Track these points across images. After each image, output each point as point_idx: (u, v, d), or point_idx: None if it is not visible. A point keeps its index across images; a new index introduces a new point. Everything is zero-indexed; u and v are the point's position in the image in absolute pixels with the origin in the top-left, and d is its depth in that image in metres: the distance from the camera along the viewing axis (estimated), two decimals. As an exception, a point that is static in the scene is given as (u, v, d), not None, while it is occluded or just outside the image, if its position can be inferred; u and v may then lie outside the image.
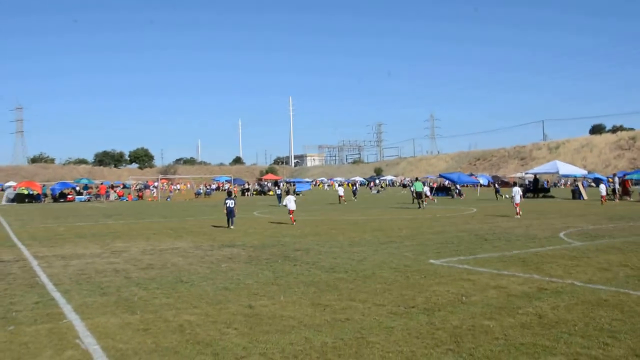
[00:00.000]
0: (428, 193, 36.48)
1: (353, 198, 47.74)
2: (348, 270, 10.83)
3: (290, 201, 23.00)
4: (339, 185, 49.33)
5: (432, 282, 9.39)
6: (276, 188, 51.45)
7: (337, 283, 9.53)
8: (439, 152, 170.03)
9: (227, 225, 20.98)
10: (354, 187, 53.16)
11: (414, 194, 36.60)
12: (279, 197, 43.19)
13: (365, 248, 14.25)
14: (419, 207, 32.16)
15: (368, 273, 10.44)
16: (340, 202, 40.70)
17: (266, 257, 12.95)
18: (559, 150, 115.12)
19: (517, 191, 24.69)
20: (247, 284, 9.56)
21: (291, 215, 22.68)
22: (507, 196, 42.24)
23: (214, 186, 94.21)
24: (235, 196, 53.93)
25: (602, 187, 35.14)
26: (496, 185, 50.78)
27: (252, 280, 9.90)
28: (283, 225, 21.92)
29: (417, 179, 39.43)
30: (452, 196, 48.81)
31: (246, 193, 61.60)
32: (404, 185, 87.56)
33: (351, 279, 9.90)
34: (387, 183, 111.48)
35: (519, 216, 23.71)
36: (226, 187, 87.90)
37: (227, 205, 21.28)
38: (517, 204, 24.35)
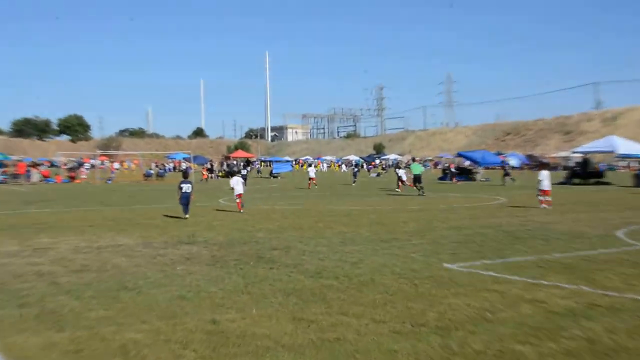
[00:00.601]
0: (404, 177, 37.87)
1: (352, 182, 49.12)
2: (339, 275, 10.84)
3: (237, 183, 23.90)
4: (310, 166, 50.22)
5: (447, 293, 9.42)
6: (247, 169, 51.63)
7: (325, 292, 9.52)
8: (457, 125, 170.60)
9: (183, 216, 21.27)
10: (355, 169, 54.04)
11: (402, 179, 37.71)
12: (245, 180, 43.98)
13: (361, 247, 14.25)
14: (420, 194, 32.81)
15: (365, 279, 10.46)
16: (309, 187, 41.90)
17: (234, 257, 12.93)
18: (616, 123, 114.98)
19: (545, 175, 24.95)
20: (210, 293, 9.53)
21: (238, 200, 23.54)
22: (512, 180, 42.41)
23: (169, 166, 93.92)
24: (207, 179, 54.75)
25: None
26: (505, 167, 51.17)
27: (216, 288, 9.87)
28: (256, 216, 21.91)
29: (414, 160, 40.12)
30: (473, 179, 49.31)
31: (210, 175, 61.41)
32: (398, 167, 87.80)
33: (343, 287, 9.91)
34: (391, 164, 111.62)
35: (545, 206, 24.02)
36: (183, 167, 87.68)
37: (183, 190, 21.51)
38: (545, 191, 24.63)
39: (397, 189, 37.05)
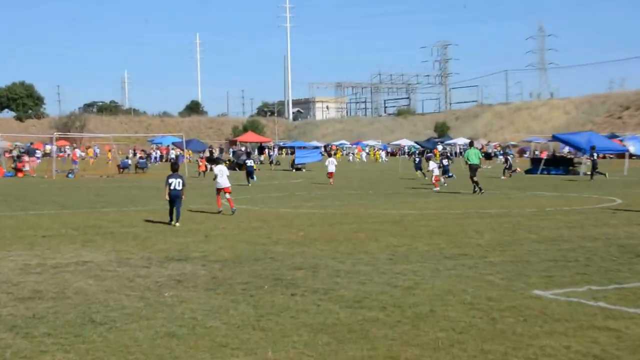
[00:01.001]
0: (436, 171, 39.65)
1: (418, 173, 50.72)
2: (387, 305, 10.83)
3: (221, 174, 25.07)
4: (331, 156, 51.28)
5: (538, 331, 9.34)
6: (256, 158, 51.91)
7: (368, 328, 9.51)
8: (552, 96, 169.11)
9: (169, 221, 21.54)
10: (417, 158, 54.37)
11: (432, 168, 39.50)
12: (251, 173, 46.34)
13: (418, 266, 14.24)
14: (476, 192, 33.80)
15: (422, 311, 10.43)
16: (332, 184, 43.29)
17: (243, 279, 12.96)
18: None
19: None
20: (210, 328, 9.56)
21: (227, 197, 24.86)
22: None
23: (153, 154, 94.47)
24: (205, 172, 54.62)
25: None
26: (507, 154, 50.90)
27: (217, 322, 9.89)
28: (272, 223, 21.95)
29: (471, 144, 40.28)
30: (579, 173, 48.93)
31: (209, 167, 61.65)
32: (489, 156, 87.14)
33: (392, 321, 9.89)
34: (459, 150, 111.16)
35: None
36: (173, 156, 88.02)
37: (171, 187, 21.67)
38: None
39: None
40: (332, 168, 45.33)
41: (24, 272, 13.88)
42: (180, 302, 11.14)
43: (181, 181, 21.88)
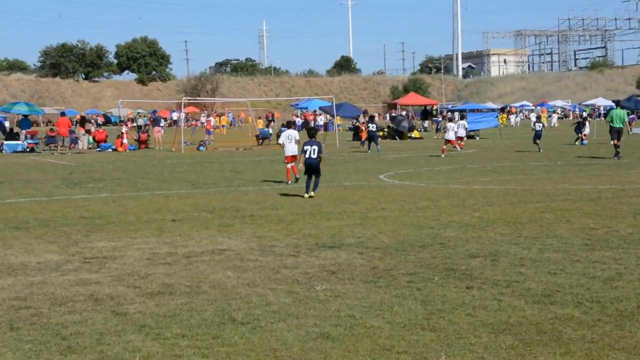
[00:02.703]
0: (462, 133, 43.48)
1: (580, 138, 51.60)
2: (583, 300, 10.83)
3: (290, 139, 26.23)
4: (462, 118, 52.03)
5: None
6: (420, 122, 52.26)
7: (561, 328, 9.50)
8: None
9: (306, 195, 22.84)
10: (579, 122, 55.82)
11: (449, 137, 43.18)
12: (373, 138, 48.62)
13: (620, 252, 14.19)
14: (617, 156, 36.13)
15: (628, 307, 10.40)
16: (460, 147, 45.99)
17: (408, 270, 13.09)
18: None
19: None
20: (371, 328, 9.67)
21: (289, 166, 26.22)
22: None
23: (299, 120, 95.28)
24: (363, 142, 54.83)
25: None
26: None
27: (379, 320, 10.00)
28: (441, 202, 22.01)
29: (617, 104, 42.84)
30: None
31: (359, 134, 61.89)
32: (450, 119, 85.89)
33: (591, 319, 9.86)
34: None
35: None
36: (319, 124, 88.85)
37: (306, 155, 22.99)
38: None
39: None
40: (451, 135, 45.62)
41: (152, 263, 14.30)
42: (334, 297, 11.29)
43: (317, 148, 22.53)
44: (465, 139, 50.24)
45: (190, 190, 27.74)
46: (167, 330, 9.80)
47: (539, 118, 49.41)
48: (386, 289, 11.70)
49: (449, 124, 48.02)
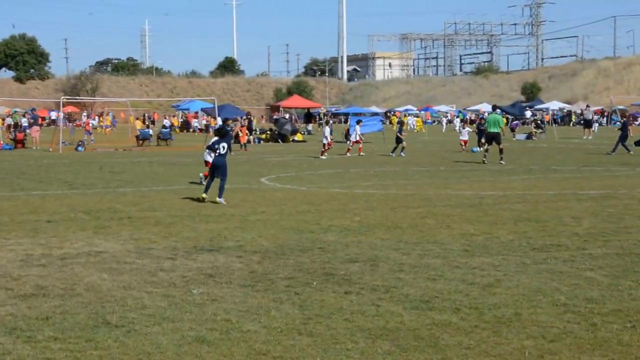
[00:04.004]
0: (465, 135, 45.72)
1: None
2: (461, 306, 10.89)
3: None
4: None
5: (653, 341, 9.30)
6: (303, 126, 52.33)
7: (438, 334, 9.56)
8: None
9: (200, 196, 22.42)
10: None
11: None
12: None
13: (499, 259, 14.27)
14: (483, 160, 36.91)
15: (505, 314, 10.46)
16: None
17: (287, 274, 13.08)
18: None
19: None
20: (247, 332, 9.69)
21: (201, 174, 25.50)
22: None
23: (197, 121, 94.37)
24: (245, 145, 54.90)
25: None
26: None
27: (256, 325, 10.02)
28: (322, 206, 22.08)
29: (494, 109, 43.27)
30: None
31: (249, 137, 61.43)
32: (589, 124, 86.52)
33: (468, 326, 9.93)
34: (555, 117, 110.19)
35: None
36: (196, 125, 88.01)
37: (218, 152, 22.49)
38: None
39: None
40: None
41: (25, 265, 14.06)
42: (211, 301, 11.26)
43: (226, 145, 22.55)
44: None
45: (67, 191, 27.34)
46: (39, 333, 9.70)
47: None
48: (264, 293, 11.70)
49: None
